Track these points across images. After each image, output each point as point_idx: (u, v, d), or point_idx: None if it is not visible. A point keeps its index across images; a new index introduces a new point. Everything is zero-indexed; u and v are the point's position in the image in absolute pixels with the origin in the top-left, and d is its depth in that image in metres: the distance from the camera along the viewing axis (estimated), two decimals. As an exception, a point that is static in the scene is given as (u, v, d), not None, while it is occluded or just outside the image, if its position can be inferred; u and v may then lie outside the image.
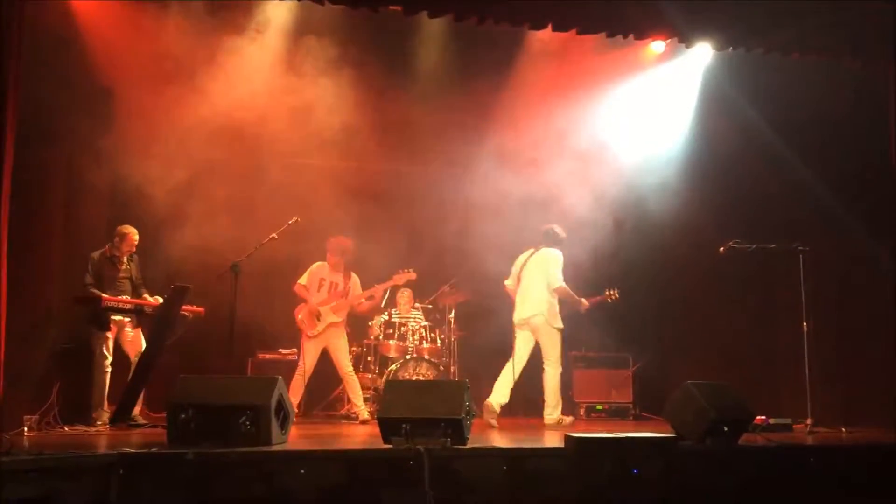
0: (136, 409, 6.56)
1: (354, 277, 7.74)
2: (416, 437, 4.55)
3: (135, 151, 7.13)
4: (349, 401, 7.75)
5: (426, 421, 4.65)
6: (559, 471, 4.57)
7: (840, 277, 7.64)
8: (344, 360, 7.51)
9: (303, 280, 7.65)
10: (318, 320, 7.46)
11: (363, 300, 7.80)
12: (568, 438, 4.65)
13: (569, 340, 8.44)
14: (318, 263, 7.72)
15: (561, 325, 7.22)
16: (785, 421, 6.57)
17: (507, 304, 7.55)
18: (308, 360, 7.39)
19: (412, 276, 7.81)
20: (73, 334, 6.68)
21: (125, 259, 6.83)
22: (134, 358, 6.65)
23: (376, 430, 4.90)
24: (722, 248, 7.11)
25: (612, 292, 7.50)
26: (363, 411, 7.40)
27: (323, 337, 7.46)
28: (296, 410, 6.92)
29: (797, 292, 6.82)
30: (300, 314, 7.56)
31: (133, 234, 6.85)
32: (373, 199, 8.43)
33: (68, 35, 6.74)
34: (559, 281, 7.19)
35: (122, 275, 6.79)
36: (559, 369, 7.15)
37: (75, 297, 6.56)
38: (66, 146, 6.81)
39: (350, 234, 7.71)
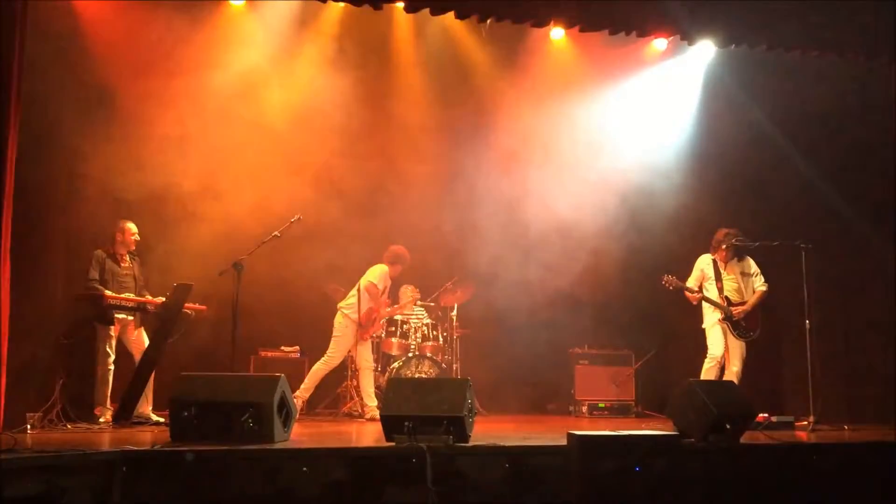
0: (148, 408, 6.58)
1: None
2: (419, 435, 4.56)
3: (137, 149, 7.13)
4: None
5: (429, 419, 4.66)
6: (561, 468, 4.57)
7: (843, 274, 7.63)
8: (368, 355, 7.62)
9: (378, 282, 7.60)
10: (382, 326, 7.89)
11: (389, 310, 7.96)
12: (570, 436, 4.64)
13: (571, 337, 8.48)
14: (386, 269, 7.70)
15: (704, 325, 7.17)
16: (787, 419, 6.56)
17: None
18: (363, 359, 7.53)
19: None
20: (76, 332, 6.68)
21: (127, 257, 6.82)
22: (138, 356, 6.64)
23: (379, 427, 4.91)
24: (725, 245, 7.10)
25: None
26: (373, 410, 7.35)
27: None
28: (301, 406, 7.05)
29: (800, 289, 6.81)
30: (370, 315, 7.55)
31: (131, 227, 6.80)
32: (374, 197, 8.42)
33: (70, 34, 6.74)
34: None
35: (125, 272, 6.77)
36: (709, 363, 6.98)
37: (78, 294, 6.56)
38: (68, 144, 6.81)
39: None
